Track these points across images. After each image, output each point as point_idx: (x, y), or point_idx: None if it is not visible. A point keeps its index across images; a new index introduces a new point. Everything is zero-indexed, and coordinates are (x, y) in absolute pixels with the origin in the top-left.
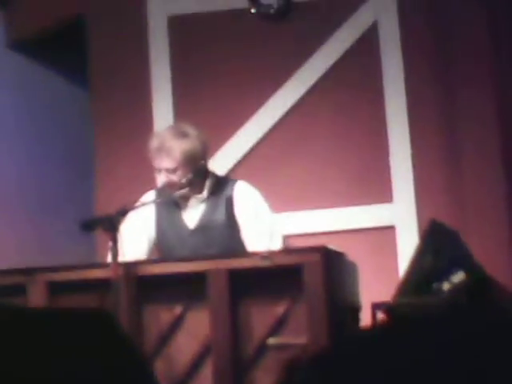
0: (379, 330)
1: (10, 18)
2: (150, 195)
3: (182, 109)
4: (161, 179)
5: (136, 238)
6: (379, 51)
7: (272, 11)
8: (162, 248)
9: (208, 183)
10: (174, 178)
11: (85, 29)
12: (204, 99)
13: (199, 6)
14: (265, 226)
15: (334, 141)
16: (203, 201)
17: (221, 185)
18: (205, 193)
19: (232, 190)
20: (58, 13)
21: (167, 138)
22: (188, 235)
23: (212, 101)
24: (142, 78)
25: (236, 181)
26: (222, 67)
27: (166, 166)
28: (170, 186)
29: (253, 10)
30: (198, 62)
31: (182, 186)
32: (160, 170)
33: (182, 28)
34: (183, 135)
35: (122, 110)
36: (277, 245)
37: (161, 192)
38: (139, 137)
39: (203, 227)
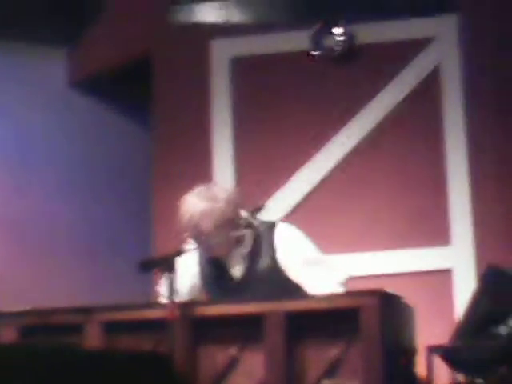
0: None
1: (74, 57)
2: (192, 254)
3: (242, 152)
4: (203, 246)
5: (181, 287)
6: (441, 95)
7: (334, 54)
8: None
9: (248, 236)
10: (214, 241)
11: (148, 69)
12: (264, 142)
13: (262, 48)
14: (325, 269)
15: (392, 183)
16: (246, 249)
17: (262, 231)
18: (247, 246)
19: (273, 235)
20: (122, 53)
21: (196, 209)
22: (232, 288)
23: (272, 143)
24: (204, 121)
25: (276, 224)
26: (283, 110)
27: (199, 235)
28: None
29: (314, 53)
30: (259, 104)
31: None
32: (195, 238)
33: (244, 69)
34: (213, 201)
35: (182, 152)
36: (337, 282)
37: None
38: (198, 180)
39: (247, 279)
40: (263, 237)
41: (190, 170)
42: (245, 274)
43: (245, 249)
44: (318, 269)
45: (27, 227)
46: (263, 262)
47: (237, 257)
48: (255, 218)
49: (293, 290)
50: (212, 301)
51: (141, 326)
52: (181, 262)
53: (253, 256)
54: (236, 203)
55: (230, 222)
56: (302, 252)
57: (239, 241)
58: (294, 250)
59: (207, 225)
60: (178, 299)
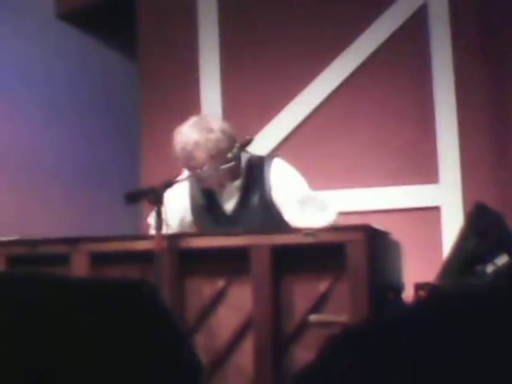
0: (421, 306)
1: None
2: (184, 184)
3: (229, 85)
4: (196, 175)
5: (171, 218)
6: (428, 31)
7: None
8: (197, 229)
9: (244, 165)
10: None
11: (135, 1)
12: (251, 76)
13: None
14: (307, 202)
15: (381, 120)
16: (240, 183)
17: (256, 165)
18: (239, 181)
19: (268, 171)
20: None
21: (190, 139)
22: (225, 220)
23: (259, 78)
24: (191, 53)
25: (271, 160)
26: (270, 45)
27: (193, 165)
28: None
29: None
30: (246, 39)
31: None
32: (189, 169)
33: (231, 3)
34: (207, 131)
35: (169, 84)
36: (327, 220)
37: (195, 179)
38: (186, 111)
39: (240, 212)
40: (257, 171)
41: (177, 103)
42: (237, 207)
43: (237, 182)
44: (309, 209)
45: (11, 158)
46: (256, 197)
47: (229, 190)
48: (245, 152)
49: (282, 226)
50: (199, 233)
51: (128, 258)
52: (172, 193)
53: (246, 190)
54: (230, 135)
55: (223, 153)
56: (295, 190)
57: (232, 174)
58: (287, 187)
59: (201, 155)
60: (167, 231)
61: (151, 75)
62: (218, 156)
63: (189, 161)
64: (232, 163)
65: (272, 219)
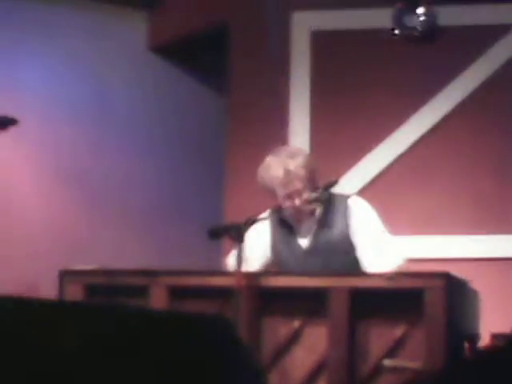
0: (497, 354)
1: (154, 19)
2: (265, 220)
3: (318, 126)
4: (291, 204)
5: (253, 254)
6: None
7: (415, 33)
8: (276, 266)
9: (321, 202)
10: (304, 198)
11: (228, 36)
12: (341, 117)
13: (344, 23)
14: (386, 246)
15: (469, 167)
16: (317, 220)
17: (334, 202)
18: (318, 212)
19: (346, 207)
20: (202, 18)
21: (287, 161)
22: (302, 255)
23: (349, 119)
24: (282, 91)
25: (349, 196)
26: (361, 86)
27: (297, 187)
28: (298, 209)
29: (396, 31)
30: (337, 79)
31: (306, 207)
32: (289, 197)
33: (325, 43)
34: (297, 154)
35: (258, 120)
36: (396, 266)
37: (277, 211)
38: (273, 149)
39: (317, 247)
40: (336, 208)
41: (265, 141)
42: (313, 241)
43: (315, 218)
44: (379, 249)
45: (101, 187)
46: (333, 233)
47: (308, 225)
48: (329, 192)
49: (356, 264)
50: (278, 272)
51: (206, 293)
52: (254, 230)
53: (323, 226)
54: (315, 160)
55: (314, 174)
56: (370, 227)
57: (311, 212)
58: (363, 223)
59: (301, 173)
60: (246, 268)
61: (240, 111)
62: (312, 175)
63: (293, 184)
64: (317, 204)
65: (348, 257)
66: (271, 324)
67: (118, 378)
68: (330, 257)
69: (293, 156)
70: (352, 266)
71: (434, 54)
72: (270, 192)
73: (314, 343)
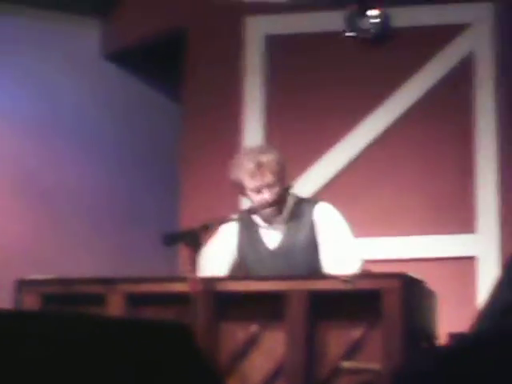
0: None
1: (107, 27)
2: (232, 221)
3: (272, 129)
4: (260, 198)
5: (219, 257)
6: (473, 82)
7: (368, 36)
8: (242, 268)
9: (289, 204)
10: (273, 193)
11: (181, 43)
12: (294, 120)
13: (296, 27)
14: (345, 249)
15: (420, 169)
16: (284, 223)
17: (302, 206)
18: (285, 213)
19: (313, 211)
20: (156, 25)
21: (260, 155)
22: (268, 257)
23: (302, 122)
24: (235, 97)
25: (317, 202)
26: (315, 89)
27: (268, 180)
28: (267, 204)
29: (349, 34)
30: (291, 82)
31: (275, 203)
32: (258, 189)
33: (278, 48)
34: (270, 151)
35: (212, 127)
36: (355, 268)
37: (243, 214)
38: (227, 154)
39: (284, 249)
40: (303, 212)
41: (219, 145)
42: (280, 245)
43: (283, 217)
44: (341, 254)
45: (53, 196)
46: (301, 236)
47: (274, 226)
48: (297, 196)
49: (320, 269)
50: (235, 276)
51: (163, 300)
52: (222, 231)
53: (290, 229)
54: (285, 160)
55: (284, 172)
56: (336, 232)
57: (279, 212)
58: (329, 228)
59: (274, 167)
60: (212, 269)
61: (194, 117)
62: (283, 172)
63: (264, 176)
64: (285, 204)
65: (313, 261)
66: (229, 329)
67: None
68: (295, 260)
69: (265, 151)
70: (317, 269)
71: (388, 55)
72: (240, 187)
73: (272, 347)
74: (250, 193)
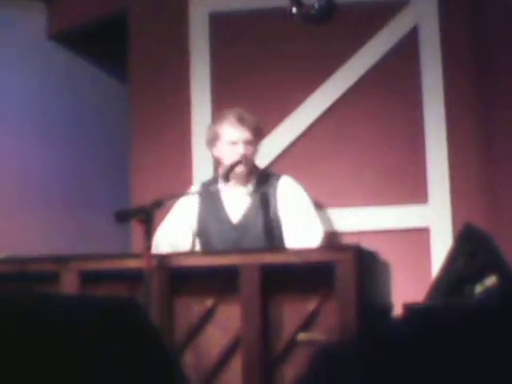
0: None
1: (53, 9)
2: (195, 188)
3: (220, 105)
4: (236, 152)
5: (179, 227)
6: (419, 55)
7: (313, 12)
8: (202, 240)
9: (253, 176)
10: (249, 151)
11: (127, 23)
12: (243, 97)
13: (241, 4)
14: (306, 224)
15: (371, 141)
16: (248, 194)
17: (265, 179)
18: (250, 186)
19: (277, 185)
20: (101, 6)
21: (243, 112)
22: (231, 229)
23: (251, 98)
24: (182, 74)
25: (280, 176)
26: (261, 65)
27: (247, 136)
28: (241, 159)
29: (294, 10)
30: (237, 60)
31: (249, 162)
32: (236, 142)
33: (223, 25)
34: (252, 115)
35: (159, 104)
36: (316, 243)
37: (204, 186)
38: (176, 130)
39: (246, 223)
40: (267, 185)
41: (167, 125)
42: (243, 218)
43: (247, 189)
44: (301, 228)
45: (1, 177)
46: (263, 210)
47: (237, 197)
48: (261, 169)
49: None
50: (189, 252)
51: (117, 277)
52: (182, 203)
53: (254, 201)
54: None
55: (261, 136)
56: (298, 207)
57: (245, 179)
58: (292, 203)
59: (253, 124)
60: (173, 241)
61: (141, 97)
62: (260, 135)
63: (243, 131)
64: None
65: (275, 235)
66: (184, 304)
67: (29, 367)
68: (257, 233)
69: (247, 113)
70: (278, 243)
71: (334, 30)
72: (214, 145)
73: (227, 321)
74: (225, 147)
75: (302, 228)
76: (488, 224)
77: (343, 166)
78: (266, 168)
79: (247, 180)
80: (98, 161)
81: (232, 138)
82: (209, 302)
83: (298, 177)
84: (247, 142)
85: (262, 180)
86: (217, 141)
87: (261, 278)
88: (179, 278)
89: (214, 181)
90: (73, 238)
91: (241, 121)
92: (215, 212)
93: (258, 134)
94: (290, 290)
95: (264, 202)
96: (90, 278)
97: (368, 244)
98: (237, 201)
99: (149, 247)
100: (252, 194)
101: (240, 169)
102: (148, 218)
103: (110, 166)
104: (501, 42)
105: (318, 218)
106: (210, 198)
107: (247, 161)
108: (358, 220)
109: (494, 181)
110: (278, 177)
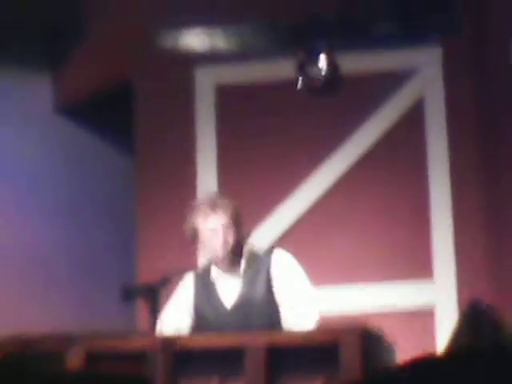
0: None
1: (58, 81)
2: (189, 277)
3: (226, 180)
4: (216, 238)
5: (179, 314)
6: (424, 126)
7: (318, 83)
8: (201, 327)
9: (244, 257)
10: (228, 237)
11: (133, 94)
12: (248, 170)
13: (246, 76)
14: (302, 302)
15: (377, 217)
16: (240, 276)
17: (258, 256)
18: (242, 266)
19: (270, 260)
20: (106, 78)
21: (215, 199)
22: (226, 314)
23: (256, 172)
24: (188, 147)
25: (272, 251)
26: (267, 138)
27: (223, 222)
28: (222, 254)
29: (299, 82)
30: (243, 132)
31: (228, 253)
32: (214, 230)
33: (229, 97)
34: (225, 197)
35: (165, 179)
36: (312, 321)
37: (200, 269)
38: (182, 206)
39: (241, 305)
40: (259, 264)
41: (173, 198)
42: (237, 301)
43: (239, 272)
44: (300, 307)
45: (8, 253)
46: (258, 290)
47: (230, 281)
48: (252, 248)
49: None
50: (194, 333)
51: (122, 356)
52: (180, 288)
53: (247, 285)
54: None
55: (240, 220)
56: (293, 284)
57: (236, 262)
58: (286, 280)
59: (229, 209)
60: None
61: (148, 171)
62: (238, 219)
63: (218, 217)
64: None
65: (272, 315)
66: None
67: None
68: (253, 316)
69: (219, 197)
70: (276, 320)
71: (338, 102)
72: (195, 239)
73: None
74: (205, 237)
75: (297, 307)
76: (493, 299)
77: (348, 243)
78: (254, 245)
79: (236, 263)
80: (105, 234)
81: (209, 226)
82: (214, 383)
83: (301, 252)
84: (225, 227)
85: (252, 258)
86: (196, 234)
87: (266, 358)
88: (184, 358)
89: (209, 266)
90: (78, 312)
91: (214, 208)
92: (210, 299)
93: (235, 215)
94: (295, 371)
95: (258, 283)
96: (95, 357)
97: (373, 323)
98: (229, 285)
99: (154, 326)
100: (244, 274)
101: (223, 263)
102: (154, 296)
103: (116, 239)
104: (506, 108)
105: (313, 294)
106: (205, 282)
107: (228, 245)
108: (363, 297)
109: (500, 256)
110: (271, 251)
